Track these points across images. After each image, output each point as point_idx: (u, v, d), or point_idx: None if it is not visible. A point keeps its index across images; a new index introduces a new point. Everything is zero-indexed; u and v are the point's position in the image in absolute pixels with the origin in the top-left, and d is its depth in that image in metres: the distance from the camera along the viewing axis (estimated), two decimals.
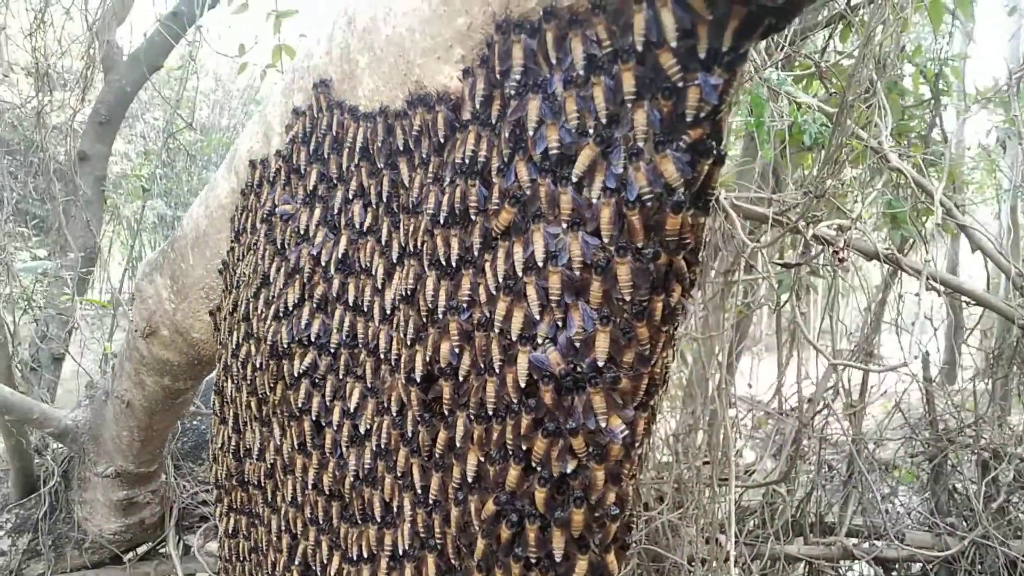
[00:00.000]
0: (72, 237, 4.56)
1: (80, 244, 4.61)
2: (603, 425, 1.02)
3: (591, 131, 0.99)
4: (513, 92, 1.06)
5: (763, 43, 3.55)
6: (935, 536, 4.16)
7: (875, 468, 4.69)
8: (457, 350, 1.14)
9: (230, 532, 1.81)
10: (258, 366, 1.55)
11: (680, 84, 0.92)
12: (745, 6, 0.87)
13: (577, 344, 1.01)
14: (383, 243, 1.34)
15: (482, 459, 1.12)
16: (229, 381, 1.73)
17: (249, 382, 1.60)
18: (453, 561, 1.22)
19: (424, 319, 1.21)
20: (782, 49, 3.30)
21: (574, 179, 1.00)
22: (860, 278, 4.84)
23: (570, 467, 1.04)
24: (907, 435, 4.88)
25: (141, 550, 3.58)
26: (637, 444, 1.06)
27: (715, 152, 0.97)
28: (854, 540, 4.26)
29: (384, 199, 1.34)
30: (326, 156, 1.46)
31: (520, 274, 1.05)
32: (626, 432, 1.03)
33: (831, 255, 2.79)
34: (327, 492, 1.42)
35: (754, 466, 5.32)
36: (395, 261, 1.30)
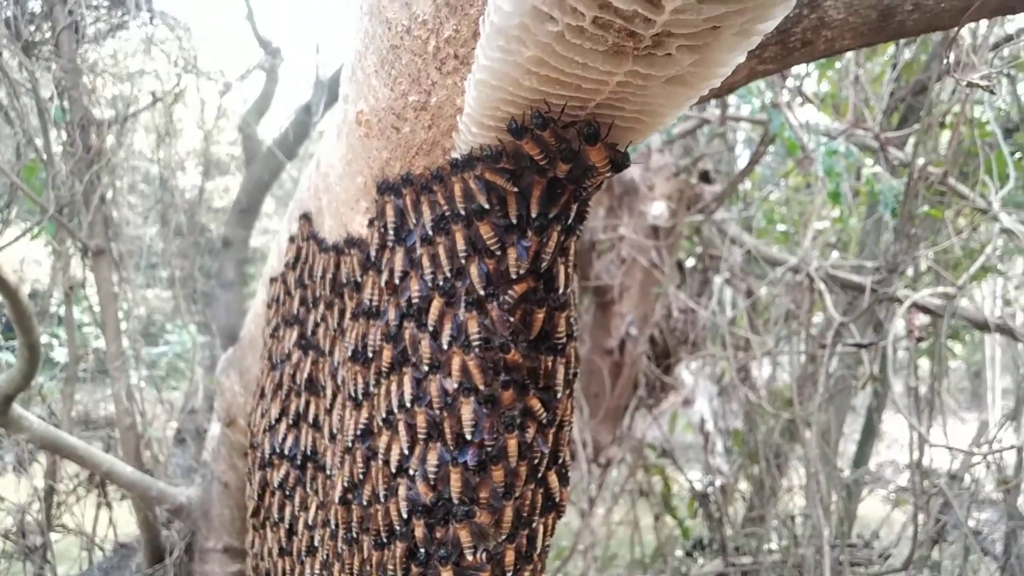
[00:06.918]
0: (213, 318, 5.02)
1: (221, 325, 5.06)
2: (468, 558, 1.08)
3: (440, 283, 1.07)
4: (389, 244, 1.16)
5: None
6: None
7: None
8: (361, 476, 1.23)
9: None
10: (254, 474, 1.70)
11: (497, 249, 0.99)
12: (543, 176, 0.94)
13: (436, 480, 1.08)
14: (334, 367, 1.46)
15: None
16: (248, 484, 1.89)
17: (250, 486, 1.75)
18: None
19: (346, 444, 1.31)
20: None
21: (430, 328, 1.08)
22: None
23: None
24: None
25: None
26: None
27: (552, 299, 1.02)
28: None
29: (337, 325, 1.47)
30: (304, 282, 1.61)
31: (396, 411, 1.14)
32: (490, 565, 1.08)
33: (907, 333, 2.65)
34: None
35: (890, 549, 4.96)
36: (338, 386, 1.42)
